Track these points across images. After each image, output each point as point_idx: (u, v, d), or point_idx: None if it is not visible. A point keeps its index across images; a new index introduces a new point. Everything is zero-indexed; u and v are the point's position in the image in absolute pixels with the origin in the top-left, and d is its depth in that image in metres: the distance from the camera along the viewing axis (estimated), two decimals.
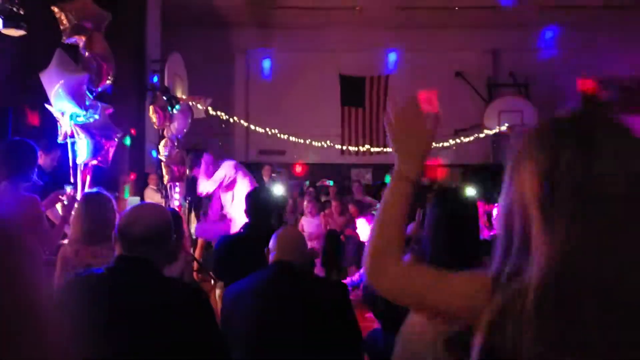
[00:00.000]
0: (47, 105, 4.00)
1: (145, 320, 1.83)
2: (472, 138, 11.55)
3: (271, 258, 2.69)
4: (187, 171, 8.01)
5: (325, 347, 2.52)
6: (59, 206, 3.84)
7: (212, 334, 1.98)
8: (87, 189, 4.13)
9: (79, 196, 4.01)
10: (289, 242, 2.72)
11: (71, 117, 3.89)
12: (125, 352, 1.80)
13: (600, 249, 1.06)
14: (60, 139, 4.00)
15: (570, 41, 12.30)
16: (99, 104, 4.12)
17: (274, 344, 2.49)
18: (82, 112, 3.95)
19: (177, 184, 7.84)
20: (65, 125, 3.92)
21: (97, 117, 4.03)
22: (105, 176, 4.64)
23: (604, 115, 1.20)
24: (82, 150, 3.97)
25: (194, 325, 1.89)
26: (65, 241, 3.36)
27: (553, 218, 1.08)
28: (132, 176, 8.78)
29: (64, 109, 3.86)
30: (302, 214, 8.79)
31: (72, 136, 3.96)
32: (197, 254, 8.11)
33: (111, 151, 4.17)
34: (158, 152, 7.88)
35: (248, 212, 3.75)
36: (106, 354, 1.77)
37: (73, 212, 3.24)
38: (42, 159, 4.56)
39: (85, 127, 3.89)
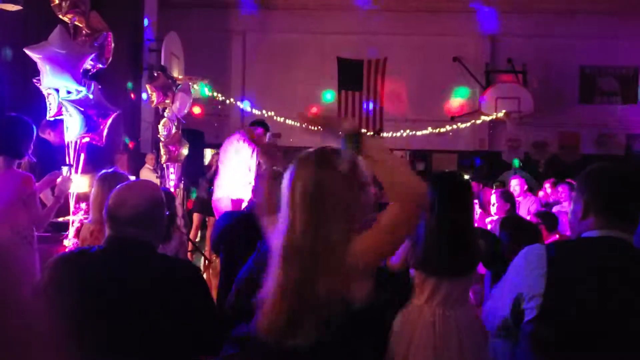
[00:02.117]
0: (34, 81, 3.97)
1: (138, 299, 1.84)
2: (468, 124, 11.55)
3: None
4: (185, 151, 8.01)
5: None
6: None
7: (208, 309, 1.99)
8: (80, 167, 4.12)
9: (73, 175, 4.00)
10: None
11: (64, 93, 3.87)
12: (118, 331, 1.81)
13: None
14: (49, 116, 3.98)
15: (568, 28, 12.27)
16: (92, 82, 4.09)
17: None
18: (81, 88, 3.93)
19: (174, 164, 7.85)
20: (54, 102, 3.89)
21: (90, 95, 4.01)
22: (99, 155, 4.63)
23: None
24: (73, 127, 3.95)
25: (190, 301, 1.90)
26: (86, 220, 3.36)
27: None
28: (131, 145, 8.70)
29: (57, 86, 3.83)
30: None
31: (61, 114, 3.93)
32: (192, 234, 8.15)
33: (105, 129, 4.15)
34: (157, 132, 7.87)
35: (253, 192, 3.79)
36: (97, 335, 1.79)
37: (92, 193, 3.21)
38: (50, 136, 4.54)
39: (76, 104, 3.86)
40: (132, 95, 8.51)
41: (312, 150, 1.85)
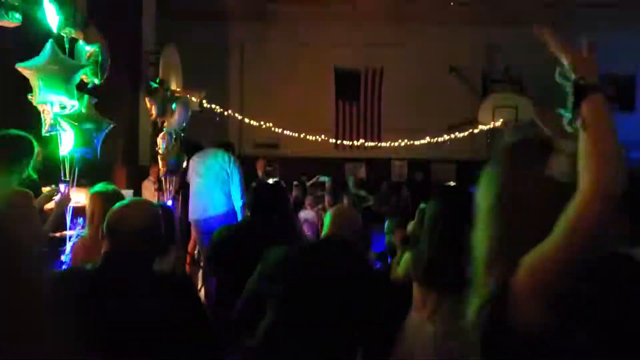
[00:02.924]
0: (29, 97, 3.97)
1: (134, 317, 1.83)
2: (466, 133, 11.56)
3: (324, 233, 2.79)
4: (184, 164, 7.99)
5: (355, 323, 2.59)
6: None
7: (205, 325, 1.98)
8: (75, 182, 4.12)
9: (70, 190, 4.00)
10: (343, 218, 2.80)
11: (57, 107, 3.87)
12: (116, 348, 1.80)
13: None
14: (44, 131, 3.97)
15: (565, 35, 12.29)
16: (85, 96, 4.10)
17: (310, 310, 2.53)
18: (74, 103, 3.92)
19: (173, 176, 7.84)
20: (48, 117, 3.88)
21: (84, 109, 4.01)
22: (97, 168, 4.62)
23: None
24: (68, 142, 3.95)
25: (186, 317, 1.89)
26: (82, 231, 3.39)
27: None
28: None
29: (50, 100, 3.82)
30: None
31: (56, 129, 3.93)
32: (190, 245, 8.11)
33: (99, 143, 4.15)
34: (156, 145, 7.87)
35: (250, 206, 3.77)
36: (92, 352, 1.77)
37: (87, 209, 3.25)
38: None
39: (70, 118, 3.86)
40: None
41: None
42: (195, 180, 6.08)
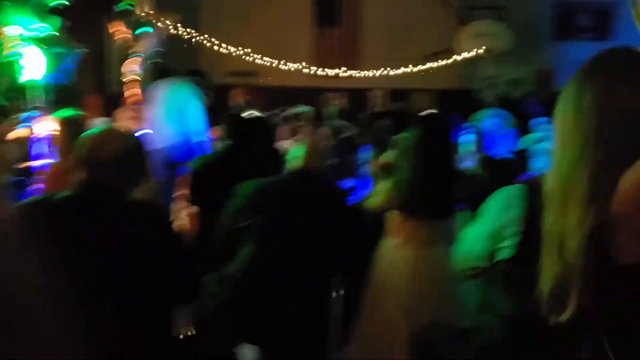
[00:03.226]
0: None
1: (111, 244, 1.80)
2: (450, 61, 11.43)
3: (294, 164, 2.81)
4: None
5: (333, 250, 2.68)
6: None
7: (181, 253, 1.97)
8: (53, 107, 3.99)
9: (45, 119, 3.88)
10: (314, 150, 2.85)
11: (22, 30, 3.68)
12: (90, 277, 1.77)
13: None
14: (3, 55, 3.80)
15: None
16: (58, 18, 3.90)
17: (292, 239, 2.56)
18: (44, 24, 3.74)
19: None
20: (12, 41, 3.70)
21: (56, 32, 3.83)
22: (66, 95, 4.48)
23: None
24: (39, 67, 3.79)
25: (163, 245, 1.87)
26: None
27: None
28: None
29: (16, 22, 3.63)
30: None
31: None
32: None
33: (73, 67, 4.00)
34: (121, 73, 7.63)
35: (228, 135, 3.70)
36: (64, 284, 1.74)
37: (57, 136, 3.13)
38: None
39: (41, 42, 3.69)
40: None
41: None
42: (152, 110, 5.91)
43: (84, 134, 3.07)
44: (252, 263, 2.59)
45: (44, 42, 3.69)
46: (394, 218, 2.87)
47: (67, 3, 3.98)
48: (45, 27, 3.68)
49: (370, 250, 3.14)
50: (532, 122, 8.55)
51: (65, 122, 3.17)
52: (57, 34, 3.80)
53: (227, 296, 2.64)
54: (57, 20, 3.85)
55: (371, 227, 3.31)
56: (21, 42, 3.61)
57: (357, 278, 2.87)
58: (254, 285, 2.59)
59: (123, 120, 8.09)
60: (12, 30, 3.61)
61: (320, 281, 2.68)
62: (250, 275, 2.59)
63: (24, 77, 3.75)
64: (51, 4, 3.87)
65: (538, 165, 5.34)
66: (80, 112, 3.34)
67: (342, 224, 2.70)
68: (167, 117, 5.63)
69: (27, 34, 3.67)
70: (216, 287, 2.61)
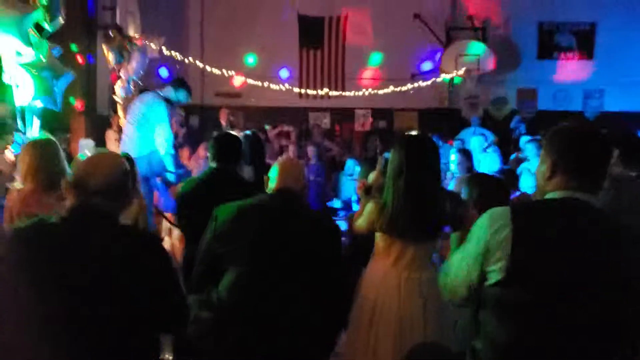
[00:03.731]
0: None
1: (101, 271, 1.80)
2: (429, 82, 11.55)
3: (271, 186, 2.78)
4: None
5: (316, 272, 2.64)
6: (9, 153, 3.71)
7: (169, 281, 1.97)
8: (37, 132, 3.98)
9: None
10: (290, 171, 2.80)
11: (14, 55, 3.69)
12: (78, 304, 1.77)
13: None
14: (5, 79, 3.81)
15: None
16: (46, 43, 3.92)
17: (272, 262, 2.55)
18: (30, 50, 3.75)
19: None
20: (9, 66, 3.71)
21: (42, 57, 3.84)
22: (54, 118, 4.47)
23: None
24: (27, 91, 3.79)
25: (154, 275, 1.87)
26: (16, 184, 3.27)
27: None
28: (79, 105, 8.36)
29: (4, 48, 3.65)
30: None
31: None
32: (155, 197, 8.01)
33: (60, 92, 4.00)
34: (113, 93, 7.64)
35: (214, 156, 3.66)
36: (56, 307, 1.75)
37: (23, 159, 3.13)
38: None
39: (30, 67, 3.70)
40: (80, 59, 8.14)
41: None
42: (125, 124, 5.91)
43: (54, 157, 3.10)
44: (234, 286, 2.58)
45: (33, 67, 3.70)
46: (380, 240, 2.87)
47: (57, 28, 4.01)
48: (36, 52, 3.70)
49: (356, 271, 3.13)
50: (519, 141, 8.68)
51: (33, 146, 3.17)
52: (46, 58, 3.81)
53: (211, 320, 2.63)
54: (46, 45, 3.87)
55: (358, 249, 3.31)
56: (17, 67, 3.63)
57: (342, 298, 2.85)
58: (237, 309, 2.58)
59: (111, 142, 8.10)
60: (5, 54, 3.63)
61: (304, 302, 2.66)
62: (233, 299, 2.58)
63: (17, 102, 3.76)
64: (44, 28, 3.90)
65: (524, 184, 5.41)
66: (49, 137, 3.32)
67: (322, 245, 2.68)
68: (134, 129, 5.59)
69: (17, 58, 3.69)
70: (199, 311, 2.60)
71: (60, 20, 4.10)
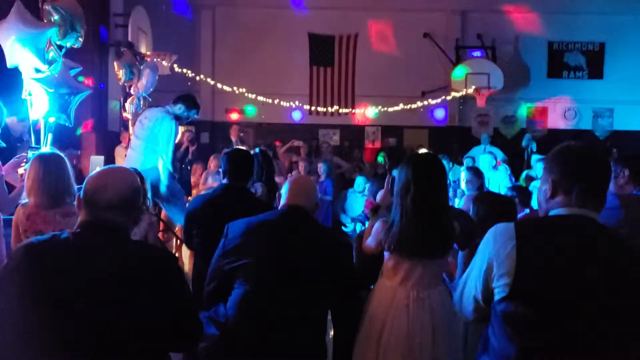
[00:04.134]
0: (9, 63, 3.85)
1: (113, 289, 1.80)
2: (439, 100, 11.59)
3: (282, 203, 2.78)
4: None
5: (324, 290, 2.62)
6: (21, 170, 3.75)
7: (183, 300, 1.96)
8: (49, 148, 4.03)
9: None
10: (302, 188, 2.79)
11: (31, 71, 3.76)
12: (91, 320, 1.77)
13: None
14: (24, 95, 3.87)
15: (537, 3, 12.36)
16: (62, 60, 3.98)
17: (279, 279, 2.55)
18: (43, 67, 3.81)
19: None
20: (26, 81, 3.78)
21: (54, 73, 3.90)
22: (66, 134, 4.53)
23: None
24: (41, 106, 3.85)
25: (167, 291, 1.86)
26: (23, 200, 3.26)
27: None
28: (85, 127, 8.44)
29: (18, 63, 3.71)
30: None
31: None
32: (163, 214, 8.05)
33: (73, 109, 4.05)
34: (124, 110, 7.73)
35: (226, 173, 3.65)
36: (67, 324, 1.75)
37: (29, 174, 3.11)
38: (13, 123, 4.43)
39: (45, 83, 3.76)
40: (87, 81, 8.21)
41: None
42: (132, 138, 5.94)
43: (59, 172, 3.11)
44: (241, 303, 2.58)
45: (48, 83, 3.76)
46: (389, 259, 2.86)
47: (76, 45, 4.06)
48: (52, 68, 3.76)
49: (364, 289, 3.12)
50: (530, 159, 8.68)
51: (39, 160, 3.16)
52: (61, 75, 3.87)
53: (219, 338, 2.62)
54: (61, 61, 3.93)
55: (366, 267, 3.30)
56: (31, 82, 3.68)
57: (350, 317, 2.84)
58: (243, 326, 2.57)
59: (120, 157, 8.17)
60: (24, 70, 3.69)
61: (313, 320, 2.65)
62: (240, 316, 2.57)
63: (33, 117, 3.81)
64: (62, 45, 3.96)
65: (534, 202, 5.38)
66: (56, 151, 3.34)
67: (331, 262, 2.68)
68: (139, 143, 5.62)
69: (34, 74, 3.75)
70: (209, 328, 2.59)
71: (79, 39, 4.16)
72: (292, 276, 2.56)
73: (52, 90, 3.80)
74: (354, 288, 2.80)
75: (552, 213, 1.82)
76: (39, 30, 3.79)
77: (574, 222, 1.76)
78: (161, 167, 5.39)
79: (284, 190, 2.78)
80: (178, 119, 5.47)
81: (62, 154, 3.27)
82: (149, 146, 5.48)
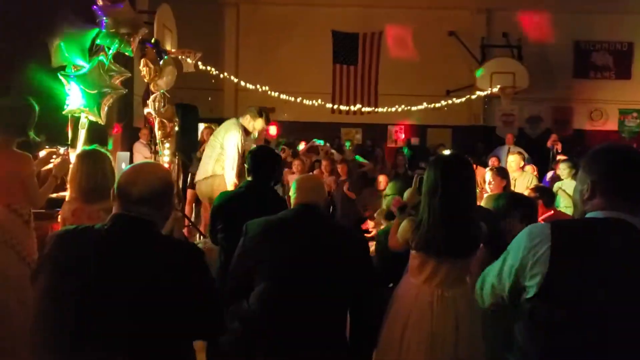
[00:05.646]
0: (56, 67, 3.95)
1: (142, 279, 1.83)
2: (463, 99, 11.50)
3: (293, 202, 2.80)
4: (176, 127, 7.93)
5: (343, 285, 2.63)
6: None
7: (209, 293, 1.98)
8: (83, 144, 4.10)
9: (73, 153, 3.99)
10: (311, 186, 2.82)
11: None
12: (118, 311, 1.80)
13: None
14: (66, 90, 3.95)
15: (564, 2, 12.19)
16: (95, 58, 4.05)
17: (299, 275, 2.57)
18: (83, 65, 3.89)
19: (167, 139, 7.77)
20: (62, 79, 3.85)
21: (85, 70, 3.97)
22: (96, 132, 4.59)
23: None
24: (74, 103, 3.92)
25: (193, 285, 1.89)
26: (67, 195, 3.39)
27: None
28: (116, 129, 8.65)
29: (64, 63, 3.79)
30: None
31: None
32: (186, 210, 8.13)
33: (105, 106, 4.12)
34: (146, 106, 7.79)
35: (250, 170, 3.70)
36: (94, 313, 1.78)
37: (70, 170, 3.25)
38: None
39: (82, 80, 3.83)
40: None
41: None
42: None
43: (99, 168, 3.20)
44: (263, 299, 2.60)
45: (85, 80, 3.82)
46: (414, 257, 2.87)
47: (116, 45, 4.12)
48: (87, 66, 3.83)
49: (383, 286, 3.13)
50: (555, 159, 8.57)
51: (79, 156, 3.30)
52: (95, 73, 3.93)
53: (242, 332, 2.65)
54: (96, 60, 3.99)
55: (387, 264, 3.31)
56: (66, 80, 3.75)
57: (372, 313, 2.85)
58: (265, 321, 2.60)
59: (139, 153, 8.28)
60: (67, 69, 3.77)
61: (333, 315, 2.67)
62: (262, 311, 2.60)
63: (67, 110, 3.88)
64: (97, 43, 4.03)
65: (560, 203, 5.33)
66: (98, 148, 3.44)
67: (348, 257, 2.69)
68: (208, 154, 6.10)
69: (73, 71, 3.82)
70: (230, 323, 2.62)
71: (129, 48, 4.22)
72: (312, 273, 2.58)
73: (87, 88, 3.87)
74: (371, 283, 2.81)
75: (589, 215, 1.80)
76: (84, 30, 3.89)
77: (612, 226, 1.74)
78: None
79: (292, 190, 2.81)
80: (246, 131, 5.74)
81: (103, 150, 3.39)
82: (213, 157, 5.89)
